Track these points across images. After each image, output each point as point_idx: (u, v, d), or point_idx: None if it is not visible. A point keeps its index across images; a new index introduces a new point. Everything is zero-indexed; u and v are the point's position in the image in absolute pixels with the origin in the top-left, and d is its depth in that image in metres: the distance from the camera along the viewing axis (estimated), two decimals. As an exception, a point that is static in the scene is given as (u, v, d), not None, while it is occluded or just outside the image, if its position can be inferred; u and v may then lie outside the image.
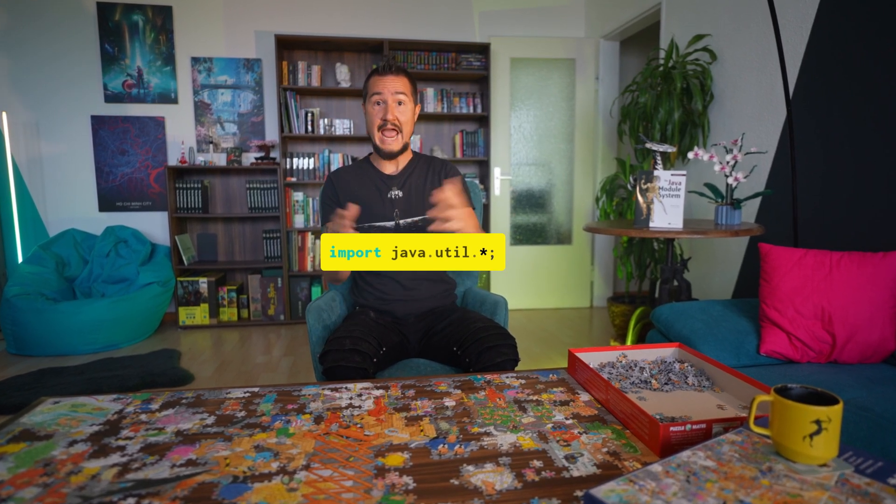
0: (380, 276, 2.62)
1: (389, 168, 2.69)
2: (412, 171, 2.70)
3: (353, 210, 2.16)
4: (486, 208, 6.53)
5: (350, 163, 2.84)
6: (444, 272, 2.77)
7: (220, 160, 6.17)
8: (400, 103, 2.54)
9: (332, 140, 6.38)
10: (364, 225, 2.60)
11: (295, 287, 6.16)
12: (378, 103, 2.54)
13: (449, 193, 2.02)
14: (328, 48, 6.23)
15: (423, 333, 2.58)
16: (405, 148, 2.64)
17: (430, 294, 2.65)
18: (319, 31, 6.27)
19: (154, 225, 6.19)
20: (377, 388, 1.72)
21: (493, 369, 2.13)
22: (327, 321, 2.55)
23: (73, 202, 6.04)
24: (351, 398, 1.64)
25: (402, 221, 2.60)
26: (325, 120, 6.15)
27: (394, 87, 2.52)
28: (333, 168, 6.18)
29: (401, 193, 2.64)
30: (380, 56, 6.23)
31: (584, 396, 1.63)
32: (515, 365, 2.22)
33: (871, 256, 2.52)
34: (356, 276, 2.74)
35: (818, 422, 1.10)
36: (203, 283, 5.93)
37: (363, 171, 2.72)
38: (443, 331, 2.47)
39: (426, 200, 2.64)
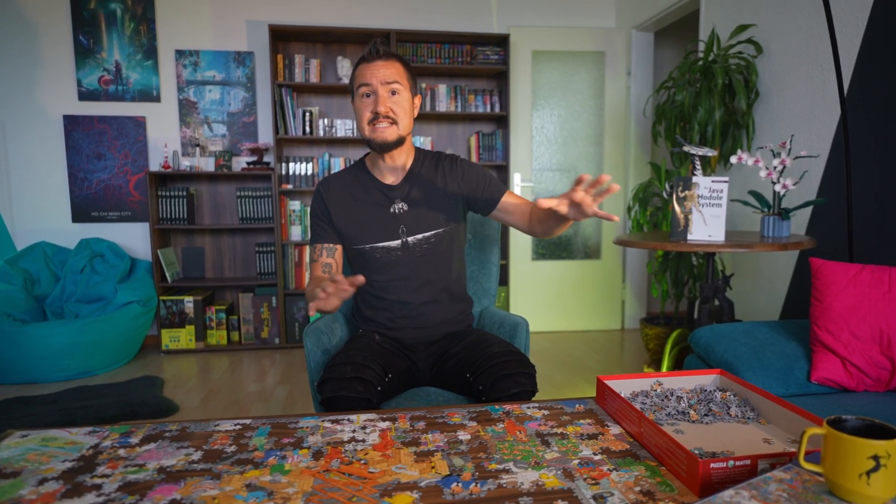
0: (385, 300, 2.57)
1: (390, 176, 2.57)
2: (417, 178, 2.58)
3: (352, 280, 2.00)
4: (504, 219, 6.51)
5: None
6: (462, 289, 2.71)
7: (207, 165, 6.21)
8: (393, 93, 2.42)
9: (333, 142, 6.40)
10: (366, 247, 2.53)
11: (291, 307, 6.17)
12: (367, 95, 2.42)
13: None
14: (328, 40, 6.27)
15: (435, 359, 2.56)
16: (402, 141, 2.48)
17: (445, 318, 2.60)
18: (318, 20, 6.31)
19: (134, 237, 6.22)
20: (383, 419, 1.73)
21: (508, 400, 2.08)
22: (327, 345, 2.55)
23: (43, 212, 6.07)
24: (354, 431, 1.65)
25: (409, 239, 2.52)
26: (325, 120, 6.18)
27: (384, 75, 2.39)
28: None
29: (406, 207, 2.53)
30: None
31: (615, 429, 1.64)
32: (532, 397, 2.19)
33: (936, 273, 2.51)
34: (358, 299, 2.69)
35: (876, 457, 1.10)
36: (188, 303, 5.94)
37: (358, 180, 2.61)
38: (456, 355, 2.44)
39: (437, 212, 2.55)
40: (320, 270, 2.56)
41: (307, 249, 6.12)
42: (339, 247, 2.61)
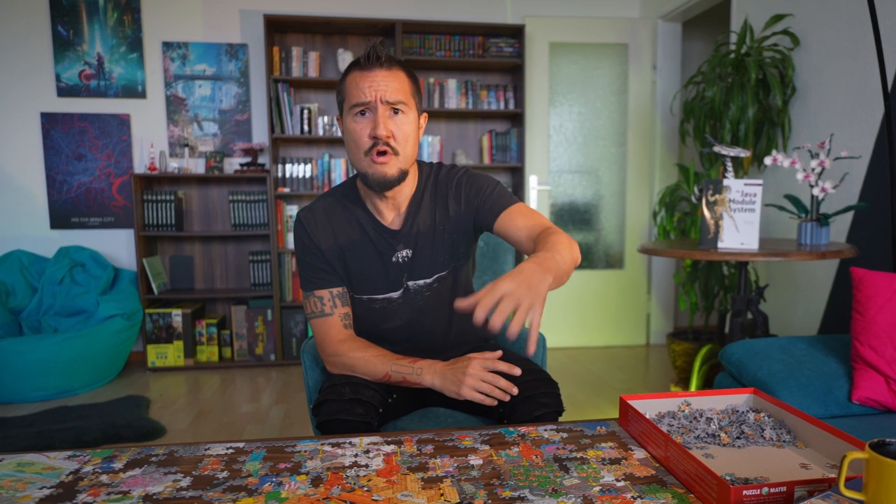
0: (383, 344, 2.29)
1: (390, 214, 2.26)
2: (419, 213, 2.27)
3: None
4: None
5: (325, 192, 2.22)
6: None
7: (197, 167, 6.24)
8: (396, 112, 2.10)
9: (333, 142, 6.42)
10: (363, 297, 2.31)
11: (288, 321, 6.18)
12: (362, 114, 2.10)
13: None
14: (328, 31, 6.29)
15: None
16: (404, 176, 2.16)
17: (456, 351, 2.45)
18: (318, 10, 6.31)
19: (117, 245, 6.23)
20: (388, 442, 1.73)
21: (533, 423, 1.98)
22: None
23: (18, 218, 6.07)
24: (356, 455, 1.64)
25: (411, 283, 2.29)
26: (325, 118, 6.20)
27: (385, 91, 2.06)
28: (335, 178, 6.23)
29: (410, 253, 2.26)
30: (390, 41, 6.20)
31: (639, 453, 1.64)
32: (559, 417, 2.13)
33: None
34: (358, 330, 2.43)
35: (923, 485, 1.10)
36: (177, 316, 5.95)
37: (351, 216, 2.29)
38: None
39: (440, 252, 2.29)
40: (342, 325, 2.26)
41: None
42: (345, 289, 2.31)
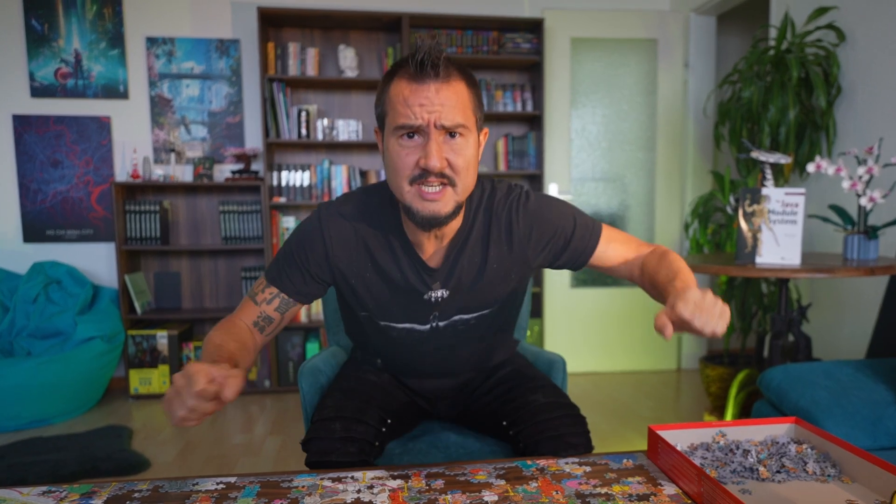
0: (397, 365, 2.35)
1: (430, 247, 2.03)
2: (464, 250, 2.05)
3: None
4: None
5: (360, 191, 1.97)
6: (507, 333, 2.48)
7: (184, 174, 6.24)
8: (454, 135, 1.82)
9: (334, 147, 6.42)
10: (380, 324, 2.17)
11: (284, 344, 6.16)
12: (409, 136, 1.80)
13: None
14: (328, 25, 6.29)
15: (458, 400, 2.46)
16: (459, 209, 1.91)
17: (476, 372, 2.44)
18: (317, 2, 6.29)
19: (97, 261, 6.23)
20: (393, 477, 1.73)
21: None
22: (326, 388, 2.51)
23: (-9, 230, 6.11)
24: (359, 491, 1.64)
25: (442, 323, 2.15)
26: (325, 121, 6.18)
27: (441, 111, 1.77)
28: (335, 187, 6.21)
29: (446, 294, 2.07)
30: (396, 36, 6.27)
31: (670, 489, 1.64)
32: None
33: None
34: (355, 341, 2.48)
35: (980, 524, 1.11)
36: (162, 338, 5.94)
37: (385, 239, 2.05)
38: (488, 394, 2.35)
39: (486, 294, 2.12)
40: (251, 319, 2.04)
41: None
42: (298, 307, 2.11)
